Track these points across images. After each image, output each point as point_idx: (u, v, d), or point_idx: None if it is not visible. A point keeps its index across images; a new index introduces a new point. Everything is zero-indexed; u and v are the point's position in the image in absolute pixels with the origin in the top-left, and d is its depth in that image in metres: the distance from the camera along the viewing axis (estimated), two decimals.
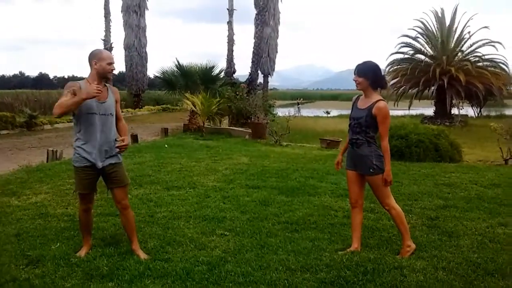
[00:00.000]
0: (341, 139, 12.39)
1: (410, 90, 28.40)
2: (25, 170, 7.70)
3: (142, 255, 3.78)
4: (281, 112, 17.88)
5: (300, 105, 43.14)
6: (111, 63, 3.66)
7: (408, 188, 6.36)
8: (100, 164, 3.65)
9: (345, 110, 43.23)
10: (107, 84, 3.78)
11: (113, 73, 3.93)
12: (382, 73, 3.84)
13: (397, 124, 10.19)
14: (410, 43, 28.75)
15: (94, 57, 3.64)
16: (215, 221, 4.82)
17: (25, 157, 9.99)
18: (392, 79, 28.95)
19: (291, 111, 15.04)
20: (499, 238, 4.21)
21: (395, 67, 29.25)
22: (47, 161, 8.81)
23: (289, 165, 8.53)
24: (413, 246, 3.86)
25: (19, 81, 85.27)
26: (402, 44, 28.88)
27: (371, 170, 3.75)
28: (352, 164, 3.89)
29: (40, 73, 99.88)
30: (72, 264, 3.55)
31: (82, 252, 3.81)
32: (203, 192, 6.17)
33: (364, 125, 3.72)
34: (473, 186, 6.51)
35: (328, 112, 38.27)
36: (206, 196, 5.92)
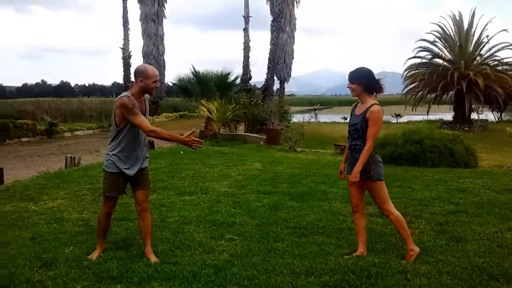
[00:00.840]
0: None
1: (428, 95, 28.06)
2: (43, 176, 7.94)
3: (153, 259, 3.89)
4: (298, 118, 17.91)
5: (317, 111, 43.05)
6: (156, 81, 3.83)
7: (419, 194, 6.35)
8: (132, 173, 3.86)
9: None
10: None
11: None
12: (376, 78, 3.86)
13: (412, 129, 10.16)
14: (428, 47, 28.43)
15: (140, 75, 3.80)
16: (224, 226, 4.90)
17: (44, 163, 10.27)
18: (410, 84, 28.71)
19: (308, 117, 15.07)
20: (507, 243, 4.19)
21: (413, 72, 28.95)
22: (65, 168, 9.05)
23: (302, 170, 8.58)
24: (417, 249, 3.87)
25: (41, 90, 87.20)
26: (420, 49, 28.58)
27: (368, 175, 3.80)
28: (352, 169, 3.94)
29: (62, 81, 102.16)
30: (84, 267, 3.68)
31: (94, 255, 3.94)
32: (214, 197, 6.27)
33: (361, 130, 3.78)
34: (486, 191, 6.46)
35: (345, 118, 38.10)
36: (217, 202, 6.02)
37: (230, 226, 4.89)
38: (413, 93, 28.09)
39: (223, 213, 5.42)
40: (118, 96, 3.82)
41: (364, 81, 3.80)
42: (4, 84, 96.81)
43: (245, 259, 3.87)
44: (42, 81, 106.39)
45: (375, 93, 3.90)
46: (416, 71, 28.69)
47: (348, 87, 3.87)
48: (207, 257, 3.92)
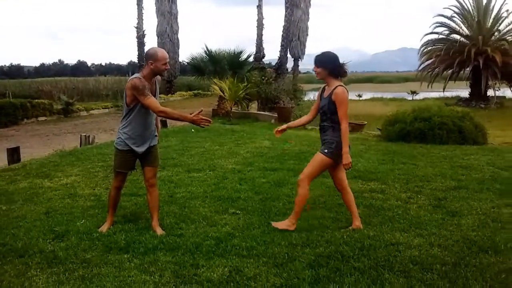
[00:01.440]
0: (365, 122, 12.43)
1: (444, 72, 27.66)
2: (59, 154, 8.24)
3: (159, 231, 4.10)
4: (312, 95, 17.89)
5: None
6: (165, 63, 3.95)
7: (422, 170, 6.44)
8: (141, 151, 4.07)
9: (379, 92, 42.58)
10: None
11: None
12: (340, 63, 4.00)
13: (421, 106, 10.15)
14: (445, 22, 27.92)
15: (150, 58, 3.92)
16: (229, 201, 5.10)
17: (60, 142, 10.60)
18: (426, 60, 28.28)
19: None
20: (503, 218, 4.30)
21: (430, 48, 28.52)
22: (80, 146, 9.34)
23: (310, 148, 8.70)
24: (293, 226, 4.08)
25: (59, 69, 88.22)
26: (437, 24, 28.08)
27: (325, 150, 3.97)
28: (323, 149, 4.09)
29: (79, 60, 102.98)
30: (94, 238, 3.92)
31: (104, 228, 4.17)
32: (221, 174, 6.46)
33: (328, 112, 3.94)
34: (490, 167, 6.52)
35: (360, 95, 37.76)
36: (224, 178, 6.21)
37: (235, 201, 5.09)
38: (429, 70, 27.72)
39: (228, 189, 5.61)
40: (130, 78, 3.99)
41: (329, 65, 3.95)
42: (22, 64, 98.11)
43: (246, 232, 4.06)
44: (59, 60, 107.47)
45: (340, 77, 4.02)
46: (433, 47, 28.25)
47: (313, 70, 4.04)
48: (210, 230, 4.12)
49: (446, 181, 5.77)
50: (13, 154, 7.71)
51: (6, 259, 3.52)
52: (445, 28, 28.07)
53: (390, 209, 4.66)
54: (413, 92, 33.14)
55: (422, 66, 28.91)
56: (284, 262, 3.38)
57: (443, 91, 28.96)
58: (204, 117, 3.85)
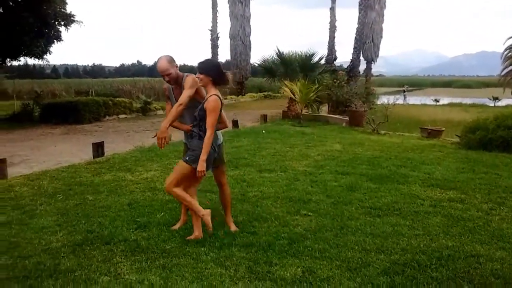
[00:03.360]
0: (443, 129, 11.88)
1: None
2: (139, 150, 8.74)
3: (233, 227, 4.24)
4: (385, 99, 17.41)
5: (406, 92, 41.26)
6: (162, 76, 4.08)
7: (506, 181, 6.07)
8: None
9: (458, 98, 40.51)
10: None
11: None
12: (223, 71, 3.95)
13: (504, 113, 9.55)
14: None
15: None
16: (300, 202, 5.13)
17: (139, 138, 11.19)
18: (510, 65, 26.48)
19: (396, 98, 14.58)
20: None
21: None
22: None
23: (383, 153, 8.50)
24: (199, 235, 3.94)
25: (137, 70, 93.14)
26: None
27: (187, 158, 3.86)
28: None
29: (155, 62, 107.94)
30: (173, 230, 4.13)
31: (177, 226, 4.34)
32: (293, 175, 6.51)
33: (198, 118, 3.86)
34: None
35: (437, 100, 36.10)
36: (295, 180, 6.25)
37: (306, 203, 5.11)
38: None
39: (300, 190, 5.65)
40: None
41: (212, 73, 3.87)
42: (104, 64, 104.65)
43: (318, 234, 4.07)
44: (138, 61, 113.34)
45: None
46: None
47: (196, 77, 3.92)
48: (282, 230, 4.19)
49: None
50: (98, 149, 8.29)
51: (94, 245, 3.81)
52: None
53: (470, 220, 4.45)
54: (495, 98, 31.16)
55: (506, 70, 27.09)
56: (358, 267, 3.36)
57: None
58: (163, 139, 3.88)
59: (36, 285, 3.07)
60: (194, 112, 3.90)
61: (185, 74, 4.09)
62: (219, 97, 3.88)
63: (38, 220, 4.48)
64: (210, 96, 3.89)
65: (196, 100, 3.96)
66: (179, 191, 3.88)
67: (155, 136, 3.93)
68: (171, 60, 4.04)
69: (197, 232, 3.95)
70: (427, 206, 4.99)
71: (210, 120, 3.79)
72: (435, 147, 9.41)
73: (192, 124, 3.99)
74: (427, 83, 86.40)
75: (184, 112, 3.97)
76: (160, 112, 20.23)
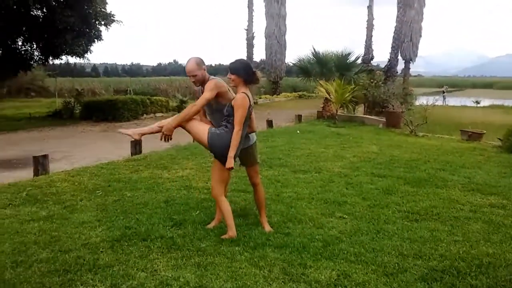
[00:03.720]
0: (484, 131, 11.49)
1: None
2: (175, 148, 8.88)
3: (267, 228, 4.24)
4: (424, 100, 17.01)
5: (445, 93, 40.09)
6: (189, 76, 4.15)
7: None
8: None
9: (500, 99, 39.01)
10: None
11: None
12: (253, 70, 4.01)
13: None
14: None
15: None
16: (335, 204, 5.08)
17: (176, 137, 11.29)
18: None
19: (435, 99, 14.17)
20: None
21: None
22: (193, 141, 9.93)
23: (421, 156, 8.30)
24: (234, 235, 3.95)
25: (173, 69, 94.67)
26: None
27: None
28: None
29: None
30: (207, 229, 4.17)
31: (211, 225, 4.38)
32: (327, 177, 6.44)
33: (226, 113, 3.93)
34: None
35: (477, 102, 34.90)
36: (330, 181, 6.19)
37: (341, 205, 5.05)
38: None
39: (335, 192, 5.59)
40: None
41: (242, 73, 3.94)
42: (141, 63, 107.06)
43: (354, 237, 4.02)
44: (174, 60, 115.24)
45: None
46: None
47: (228, 77, 3.97)
48: (316, 232, 4.15)
49: None
50: (136, 146, 8.48)
51: (132, 241, 3.90)
52: None
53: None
54: None
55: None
56: (394, 272, 3.29)
57: None
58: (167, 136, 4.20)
59: (76, 279, 3.16)
60: (222, 116, 3.99)
61: (211, 77, 4.12)
62: (248, 96, 3.94)
63: (78, 215, 4.62)
64: (238, 94, 3.96)
65: (222, 104, 4.02)
66: (225, 204, 4.00)
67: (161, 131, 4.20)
68: (199, 63, 4.08)
69: (231, 232, 3.98)
70: (467, 212, 4.83)
71: (237, 116, 3.87)
72: (476, 151, 9.11)
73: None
74: (467, 84, 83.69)
75: (211, 117, 4.17)
76: None
